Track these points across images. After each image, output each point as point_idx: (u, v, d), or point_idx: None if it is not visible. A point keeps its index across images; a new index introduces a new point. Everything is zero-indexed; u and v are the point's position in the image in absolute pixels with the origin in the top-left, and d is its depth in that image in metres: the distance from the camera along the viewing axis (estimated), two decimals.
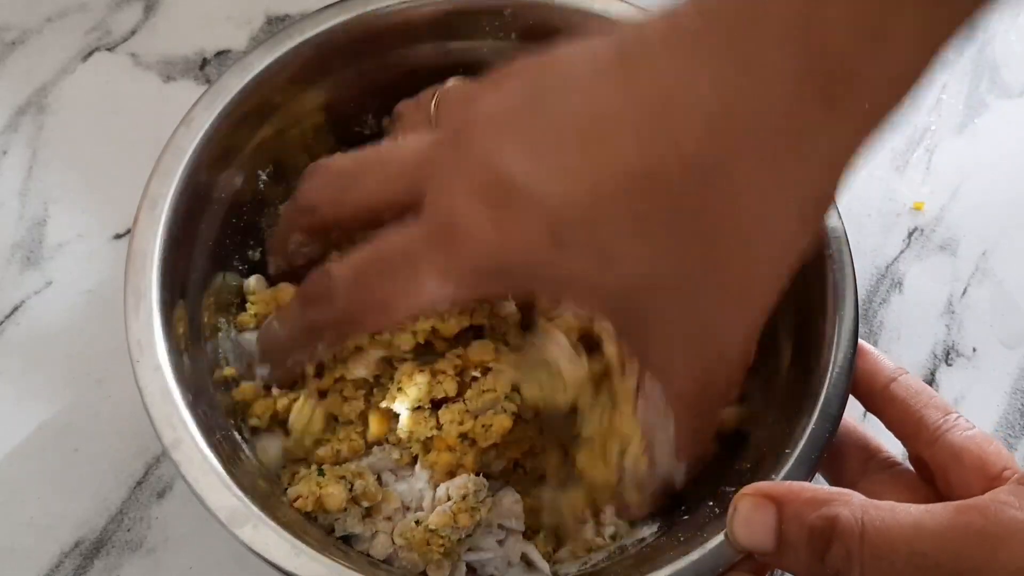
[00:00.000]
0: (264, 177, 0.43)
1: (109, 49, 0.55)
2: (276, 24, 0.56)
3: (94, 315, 0.48)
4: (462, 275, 0.33)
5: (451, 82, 0.40)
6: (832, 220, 0.39)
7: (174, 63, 0.55)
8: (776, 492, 0.31)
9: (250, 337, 0.41)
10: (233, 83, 0.39)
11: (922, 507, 0.29)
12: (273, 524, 0.33)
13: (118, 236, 0.50)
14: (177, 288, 0.38)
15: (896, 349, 0.52)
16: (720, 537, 0.33)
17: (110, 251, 0.49)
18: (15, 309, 0.48)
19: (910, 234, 0.55)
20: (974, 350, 0.52)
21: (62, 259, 0.49)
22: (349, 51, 0.42)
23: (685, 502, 0.40)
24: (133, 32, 0.55)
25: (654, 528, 0.40)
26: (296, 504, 0.37)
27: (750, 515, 0.31)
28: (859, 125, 0.29)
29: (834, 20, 0.26)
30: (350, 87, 0.44)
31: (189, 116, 0.38)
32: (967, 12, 0.27)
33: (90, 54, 0.54)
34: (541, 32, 0.43)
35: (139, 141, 0.52)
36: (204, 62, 0.55)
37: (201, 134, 0.38)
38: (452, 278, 0.33)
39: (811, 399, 0.36)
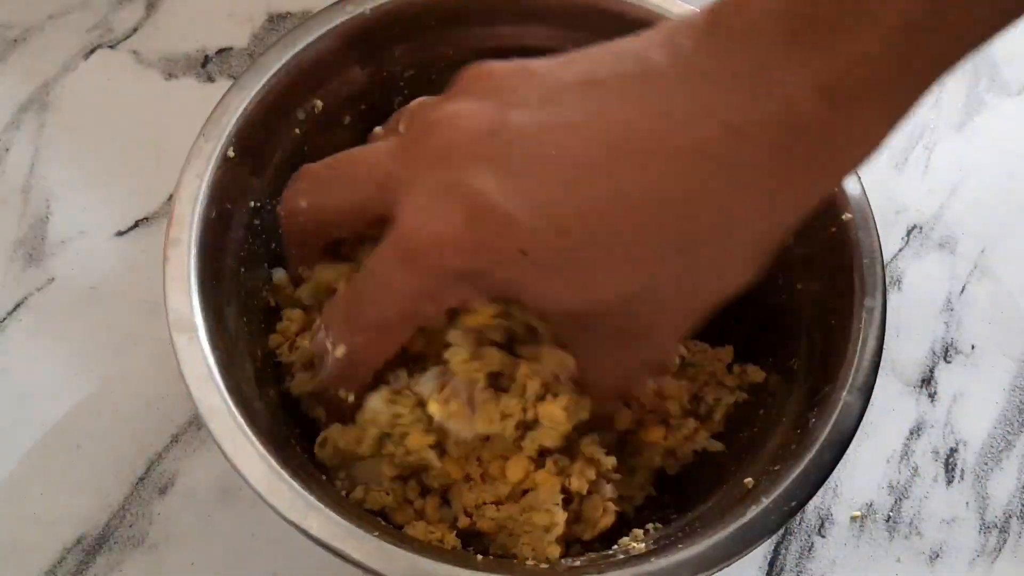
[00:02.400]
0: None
1: (111, 47, 0.55)
2: (277, 22, 0.57)
3: (97, 312, 0.48)
4: (436, 279, 0.33)
5: (417, 101, 0.40)
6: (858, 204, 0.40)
7: (176, 60, 0.55)
8: None
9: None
10: (273, 58, 0.40)
11: None
12: (311, 498, 0.33)
13: (120, 233, 0.50)
14: (213, 273, 0.38)
15: (895, 346, 0.52)
16: (725, 532, 0.33)
17: (112, 248, 0.50)
18: (17, 306, 0.48)
19: (909, 232, 0.55)
20: (973, 347, 0.52)
21: (64, 256, 0.49)
22: (391, 33, 0.43)
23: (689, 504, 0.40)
24: (135, 30, 0.55)
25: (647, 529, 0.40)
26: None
27: None
28: (820, 179, 0.31)
29: (806, 89, 0.28)
30: (391, 69, 0.44)
31: (234, 88, 0.39)
32: (929, 83, 0.29)
33: (92, 51, 0.54)
34: (588, 18, 0.43)
35: (141, 139, 0.52)
36: (206, 59, 0.55)
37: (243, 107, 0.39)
38: (426, 285, 0.33)
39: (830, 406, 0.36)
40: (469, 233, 0.31)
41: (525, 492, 0.38)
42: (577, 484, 0.38)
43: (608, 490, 0.40)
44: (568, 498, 0.38)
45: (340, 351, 0.35)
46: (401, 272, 0.33)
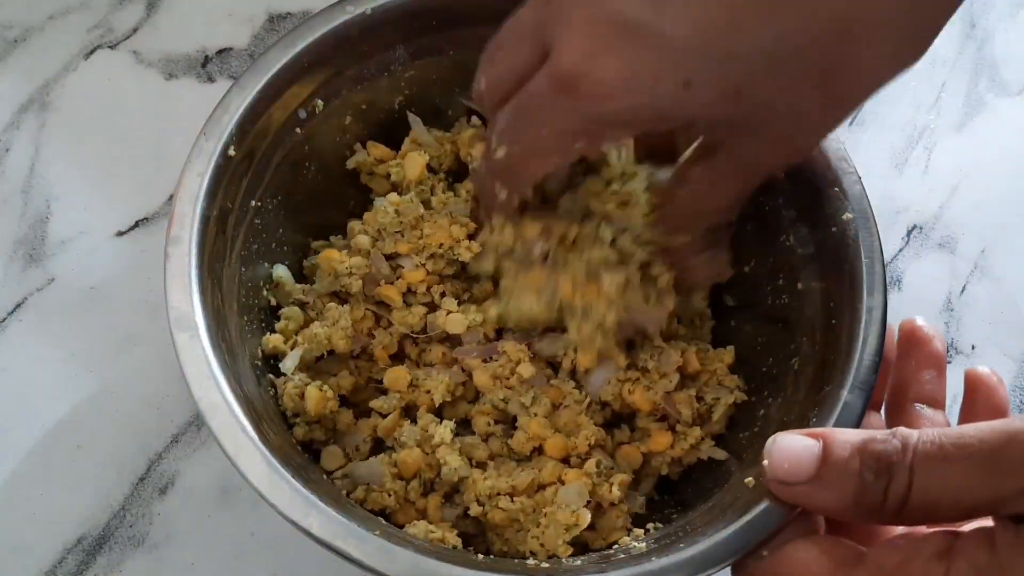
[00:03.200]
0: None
1: (111, 47, 0.55)
2: (277, 22, 0.57)
3: (96, 312, 0.48)
4: (590, 123, 0.33)
5: None
6: (860, 202, 0.40)
7: (176, 61, 0.55)
8: (820, 431, 0.31)
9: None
10: (273, 58, 0.40)
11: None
12: (307, 493, 0.33)
13: (120, 233, 0.50)
14: (213, 272, 0.38)
15: None
16: (726, 532, 0.33)
17: (112, 248, 0.50)
18: (17, 306, 0.48)
19: (909, 232, 0.55)
20: (973, 347, 0.52)
21: (64, 256, 0.49)
22: (391, 33, 0.43)
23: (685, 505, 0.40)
24: (135, 30, 0.55)
25: (644, 530, 0.40)
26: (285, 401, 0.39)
27: (792, 444, 0.31)
28: None
29: None
30: (392, 69, 0.45)
31: (234, 87, 0.40)
32: None
33: (92, 52, 0.55)
34: None
35: (141, 138, 0.52)
36: (206, 60, 0.55)
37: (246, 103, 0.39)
38: (580, 128, 0.33)
39: (833, 400, 0.36)
40: (624, 69, 0.31)
41: (540, 488, 0.39)
42: (613, 494, 0.38)
43: (640, 503, 0.41)
44: (588, 503, 0.38)
45: (500, 152, 0.36)
46: (555, 112, 0.33)
